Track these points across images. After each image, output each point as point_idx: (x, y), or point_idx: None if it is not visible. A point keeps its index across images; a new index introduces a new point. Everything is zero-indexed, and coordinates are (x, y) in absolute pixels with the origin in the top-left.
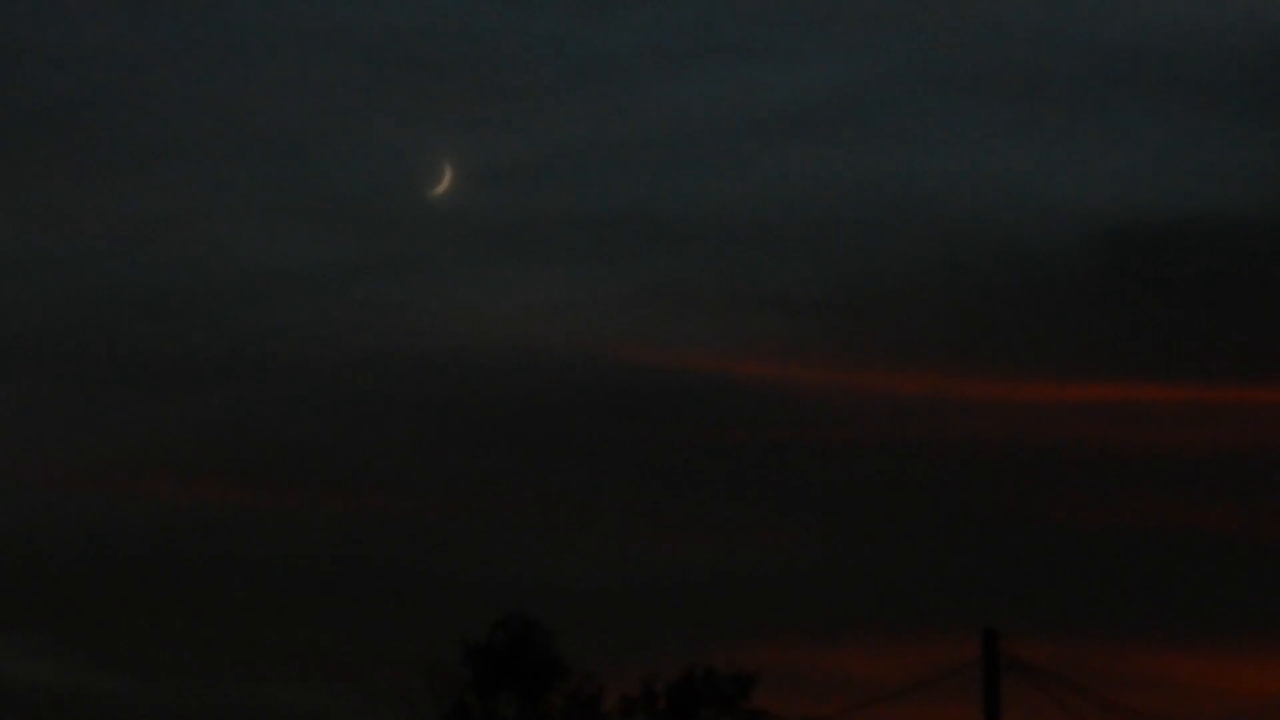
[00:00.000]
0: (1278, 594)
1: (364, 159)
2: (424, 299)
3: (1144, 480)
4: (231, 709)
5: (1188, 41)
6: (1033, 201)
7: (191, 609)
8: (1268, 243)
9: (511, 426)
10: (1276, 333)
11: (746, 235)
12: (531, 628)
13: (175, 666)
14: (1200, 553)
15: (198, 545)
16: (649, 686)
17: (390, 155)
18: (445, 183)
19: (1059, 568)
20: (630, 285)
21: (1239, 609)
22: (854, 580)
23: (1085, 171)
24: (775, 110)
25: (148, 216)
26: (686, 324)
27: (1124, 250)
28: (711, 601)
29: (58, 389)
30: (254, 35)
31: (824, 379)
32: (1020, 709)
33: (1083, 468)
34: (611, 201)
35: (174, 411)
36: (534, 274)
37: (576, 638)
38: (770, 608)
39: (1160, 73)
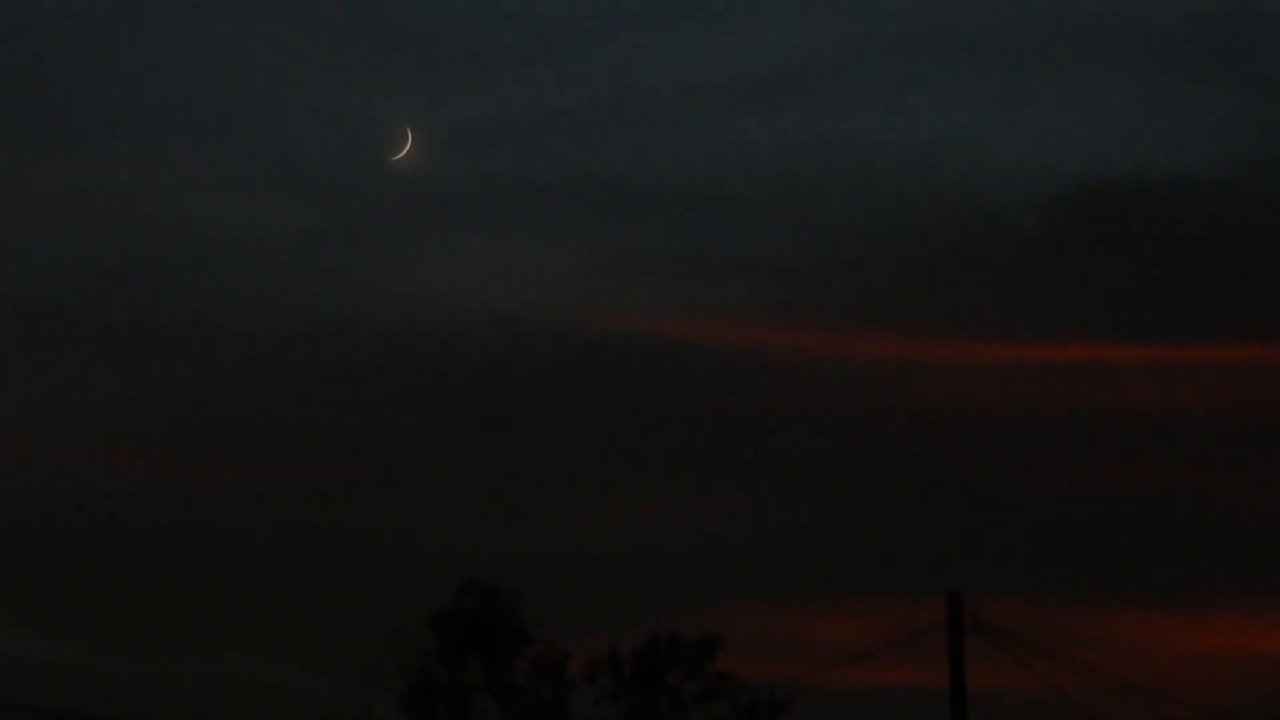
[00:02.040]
0: (1242, 554)
1: (323, 127)
2: (384, 266)
3: (1107, 442)
4: (194, 680)
5: (1149, 2)
6: (993, 164)
7: (153, 580)
8: (1230, 203)
9: (473, 393)
10: (1239, 292)
11: (706, 200)
12: (496, 594)
13: (137, 638)
14: (1164, 514)
15: (158, 516)
16: (614, 651)
17: (350, 123)
18: (407, 150)
19: (1023, 530)
20: (589, 251)
21: (1203, 569)
22: (818, 543)
23: (1046, 133)
24: (734, 75)
25: (107, 186)
26: (646, 290)
27: (1085, 211)
28: (676, 566)
29: (15, 361)
30: (215, 3)
31: (785, 344)
32: (985, 670)
33: (1046, 430)
34: (570, 168)
35: (135, 383)
36: (493, 240)
37: (541, 604)
38: (734, 572)
39: (1122, 33)
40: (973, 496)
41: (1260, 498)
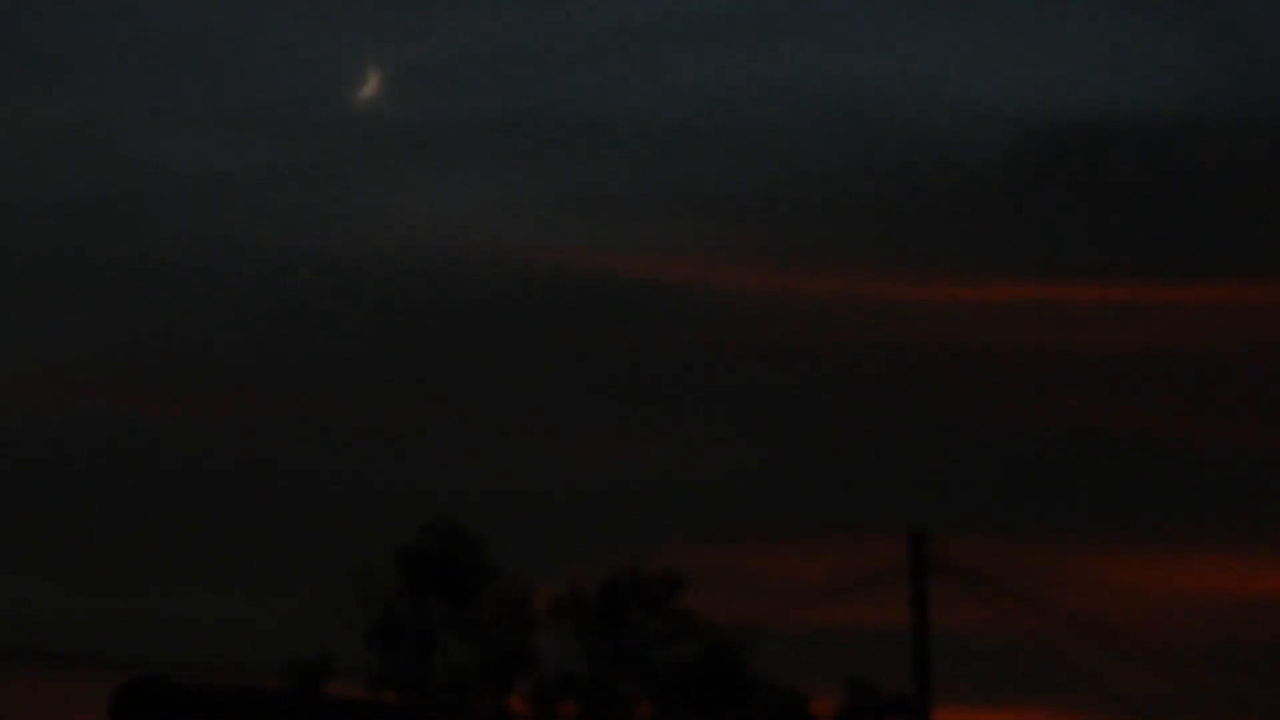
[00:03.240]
0: (1203, 492)
1: (288, 65)
2: (349, 204)
3: (1069, 380)
4: (156, 616)
5: None
6: (958, 103)
7: (117, 518)
8: (1192, 143)
9: (438, 331)
10: (1200, 232)
11: (670, 138)
12: (460, 532)
13: (101, 575)
14: (1127, 452)
15: (122, 454)
16: (577, 590)
17: (314, 61)
18: (370, 87)
19: (986, 468)
20: (554, 189)
21: (1164, 507)
22: (781, 482)
23: (1010, 72)
24: (700, 13)
25: (69, 123)
26: (610, 227)
27: (1045, 151)
28: (640, 504)
29: None
30: None
31: (748, 281)
32: (947, 609)
33: (1008, 368)
34: (535, 105)
35: (96, 320)
36: (456, 178)
37: (505, 542)
38: (697, 510)
39: None
40: (937, 435)
41: (1221, 436)
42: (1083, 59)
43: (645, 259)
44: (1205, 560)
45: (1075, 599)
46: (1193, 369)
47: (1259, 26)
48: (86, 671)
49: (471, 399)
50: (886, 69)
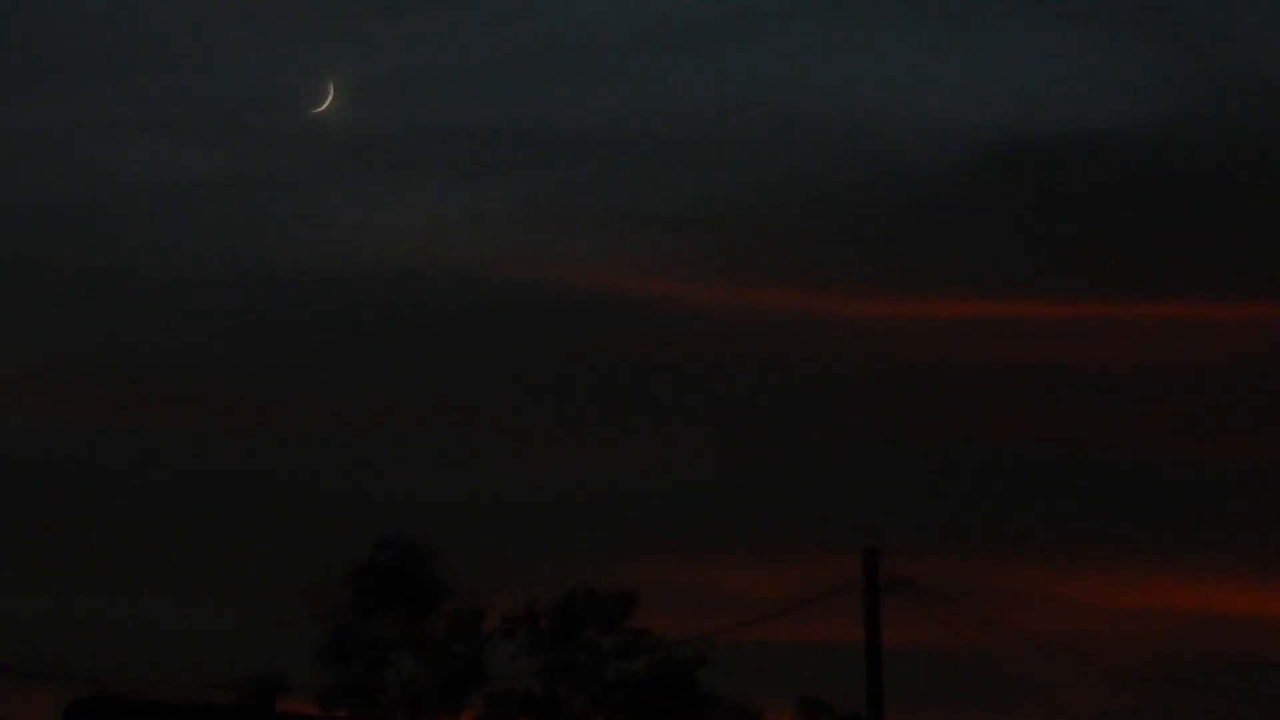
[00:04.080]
0: (1158, 509)
1: (246, 73)
2: (305, 213)
3: (1026, 397)
4: (111, 625)
5: None
6: (915, 117)
7: (70, 525)
8: (1149, 159)
9: (394, 342)
10: (1156, 248)
11: (627, 150)
12: (413, 548)
13: (54, 583)
14: (1080, 469)
15: (77, 461)
16: (531, 607)
17: (272, 70)
18: (328, 98)
19: (940, 486)
20: (511, 200)
21: (1119, 524)
22: (737, 498)
23: (965, 88)
24: (657, 24)
25: (28, 130)
26: (567, 239)
27: (1004, 166)
28: (595, 518)
29: None
30: None
31: (703, 295)
32: (900, 625)
33: (966, 384)
34: (493, 117)
35: (52, 327)
36: (415, 189)
37: (460, 556)
38: (653, 525)
39: None
40: (892, 451)
41: (1178, 453)
42: (1039, 75)
43: (600, 271)
44: (1154, 577)
45: (1027, 616)
46: (1144, 386)
47: (1215, 43)
48: (38, 684)
49: (427, 411)
50: (843, 84)
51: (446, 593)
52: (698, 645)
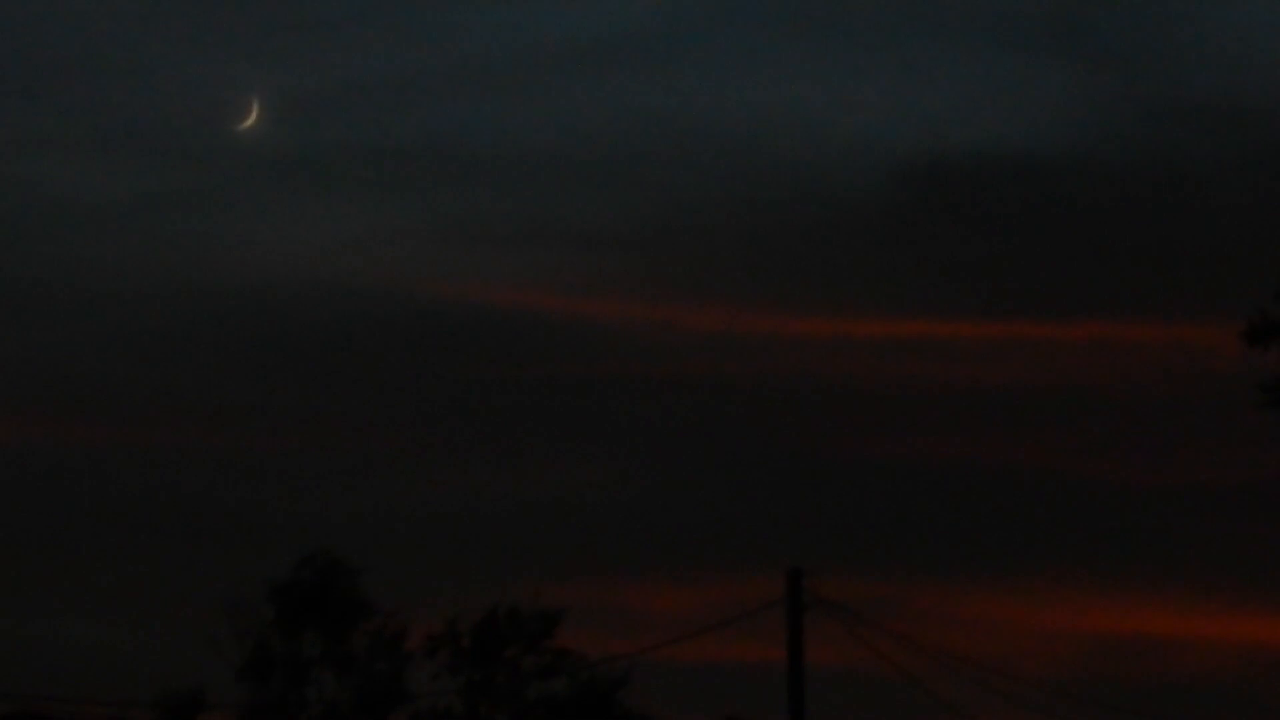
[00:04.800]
0: (1085, 530)
1: (165, 89)
2: (224, 231)
3: (948, 417)
4: (29, 643)
5: None
6: (836, 136)
7: None
8: (1070, 180)
9: (313, 361)
10: (1079, 269)
11: (545, 168)
12: (336, 565)
13: None
14: (1007, 489)
15: None
16: (453, 625)
17: (194, 87)
18: (250, 115)
19: (863, 505)
20: (431, 218)
21: (1046, 546)
22: (658, 517)
23: (887, 107)
24: (574, 42)
25: None
26: (487, 257)
27: (923, 186)
28: (517, 538)
29: None
30: None
31: (624, 314)
32: (824, 646)
33: (886, 404)
34: (411, 134)
35: None
36: (336, 207)
37: (382, 574)
38: (576, 544)
39: (959, 6)
40: (814, 471)
41: (1099, 474)
42: (960, 95)
43: (521, 290)
44: (1078, 598)
45: (951, 636)
46: (1068, 407)
47: (1139, 65)
48: None
49: (348, 429)
50: (764, 103)
51: (368, 611)
52: (620, 665)
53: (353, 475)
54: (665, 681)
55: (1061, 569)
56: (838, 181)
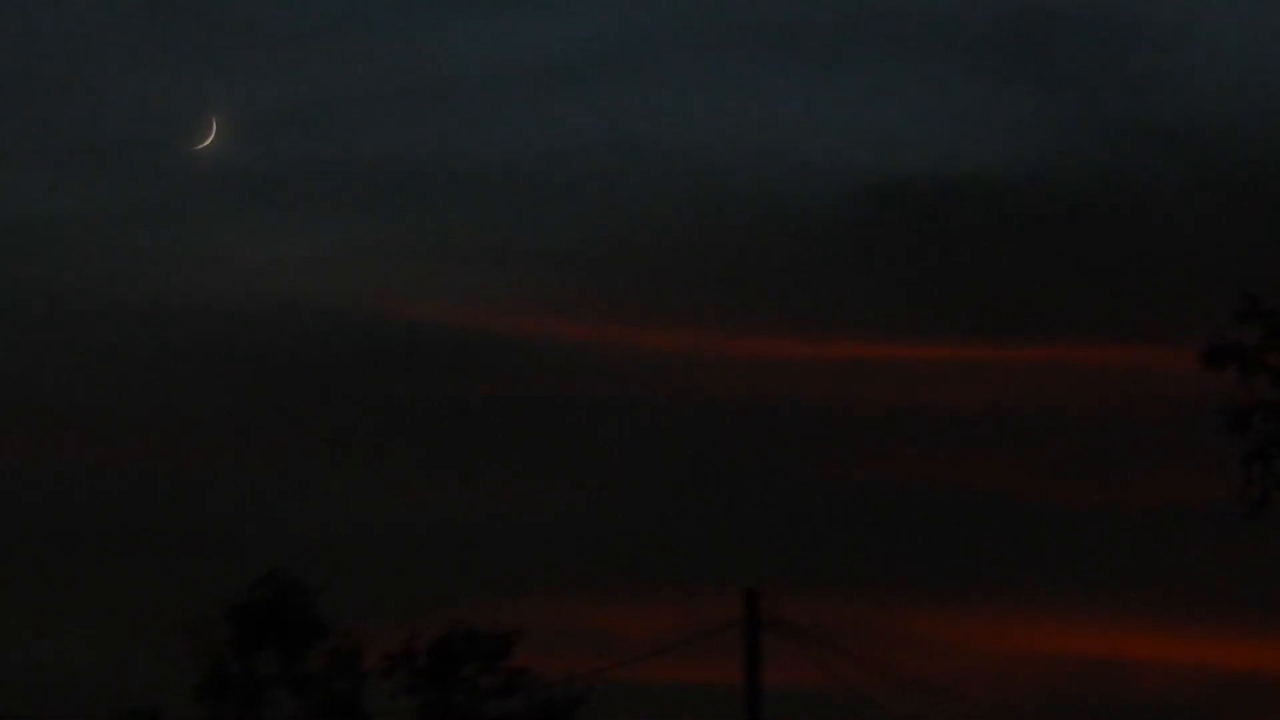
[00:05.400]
0: (1041, 552)
1: (126, 106)
2: (185, 250)
3: (905, 438)
4: None
5: None
6: (793, 157)
7: None
8: (1025, 200)
9: (273, 380)
10: (1036, 291)
11: (506, 188)
12: (292, 585)
13: None
14: (962, 511)
15: None
16: (410, 645)
17: (152, 104)
18: (209, 132)
19: (820, 526)
20: (391, 238)
21: (1004, 567)
22: (616, 537)
23: (843, 128)
24: (531, 62)
25: None
26: (448, 277)
27: (882, 208)
28: (474, 558)
29: None
30: None
31: (585, 333)
32: (782, 667)
33: (844, 425)
34: (372, 153)
35: None
36: (294, 226)
37: (340, 595)
38: (533, 564)
39: (918, 28)
40: (771, 492)
41: (1059, 497)
42: (917, 116)
43: (483, 309)
44: (1035, 620)
45: (908, 657)
46: (1026, 428)
47: (1096, 87)
48: None
49: (307, 448)
50: (720, 124)
51: (325, 630)
52: (577, 685)
53: (311, 494)
54: (623, 702)
55: (1019, 591)
56: (797, 202)
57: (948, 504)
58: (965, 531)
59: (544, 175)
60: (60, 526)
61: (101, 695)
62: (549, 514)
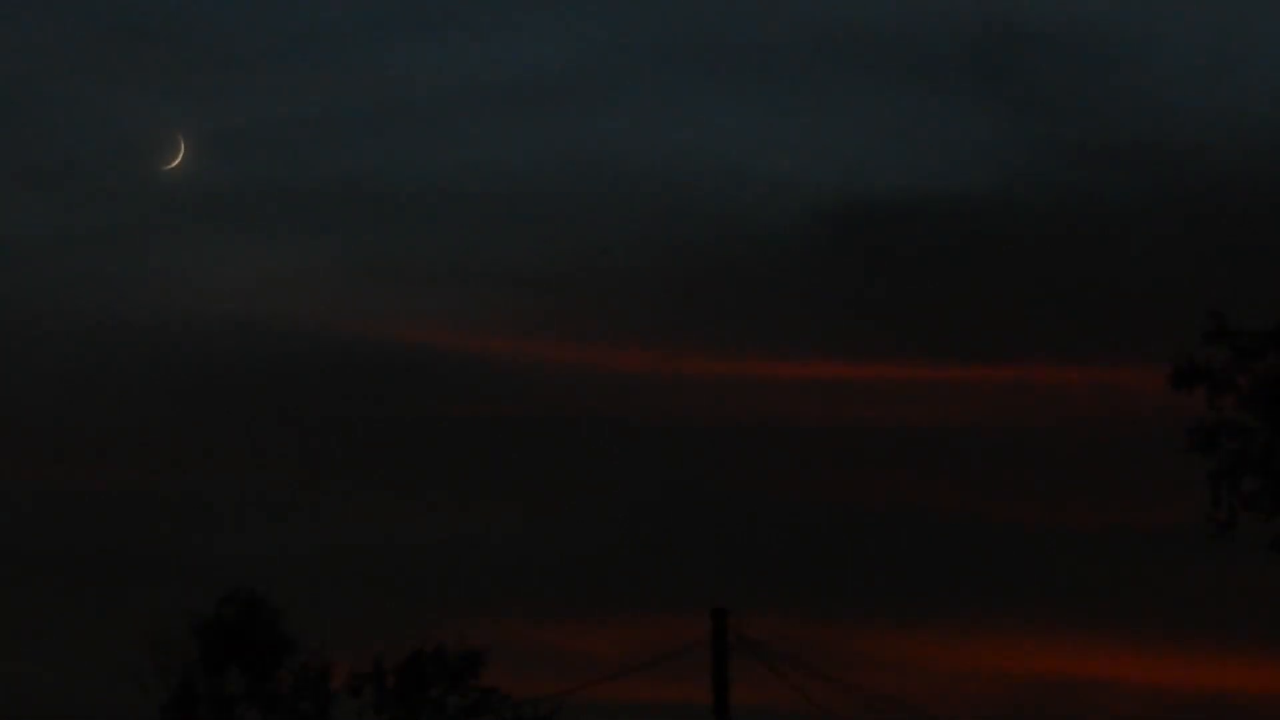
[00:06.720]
0: (1004, 571)
1: (84, 126)
2: (142, 269)
3: (870, 458)
4: None
5: (911, 17)
6: (755, 178)
7: None
8: (991, 220)
9: (235, 399)
10: (1000, 311)
11: (468, 209)
12: (259, 604)
13: None
14: (930, 531)
15: None
16: (378, 664)
17: (114, 125)
18: (172, 153)
19: (789, 546)
20: (354, 258)
21: (970, 587)
22: (584, 557)
23: (808, 148)
24: (496, 83)
25: None
26: (410, 297)
27: (846, 228)
28: (440, 578)
29: None
30: None
31: (547, 354)
32: (749, 687)
33: (810, 445)
34: (335, 173)
35: None
36: (259, 246)
37: (306, 613)
38: (500, 584)
39: (881, 49)
40: (738, 511)
41: (1025, 517)
42: (884, 136)
43: (445, 330)
44: (1001, 640)
45: (875, 677)
46: (991, 448)
47: (1061, 108)
48: None
49: (270, 467)
50: (685, 142)
51: (292, 649)
52: (545, 705)
53: (276, 513)
54: None
55: (985, 611)
56: (760, 223)
57: (914, 524)
58: (933, 551)
59: (506, 196)
60: (24, 546)
61: (68, 714)
62: (515, 534)
